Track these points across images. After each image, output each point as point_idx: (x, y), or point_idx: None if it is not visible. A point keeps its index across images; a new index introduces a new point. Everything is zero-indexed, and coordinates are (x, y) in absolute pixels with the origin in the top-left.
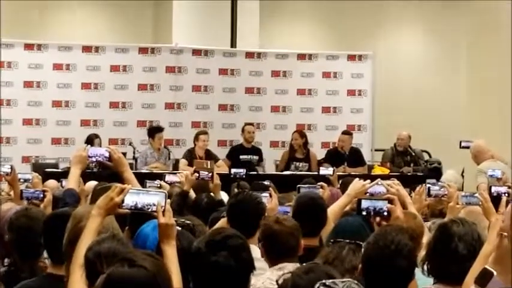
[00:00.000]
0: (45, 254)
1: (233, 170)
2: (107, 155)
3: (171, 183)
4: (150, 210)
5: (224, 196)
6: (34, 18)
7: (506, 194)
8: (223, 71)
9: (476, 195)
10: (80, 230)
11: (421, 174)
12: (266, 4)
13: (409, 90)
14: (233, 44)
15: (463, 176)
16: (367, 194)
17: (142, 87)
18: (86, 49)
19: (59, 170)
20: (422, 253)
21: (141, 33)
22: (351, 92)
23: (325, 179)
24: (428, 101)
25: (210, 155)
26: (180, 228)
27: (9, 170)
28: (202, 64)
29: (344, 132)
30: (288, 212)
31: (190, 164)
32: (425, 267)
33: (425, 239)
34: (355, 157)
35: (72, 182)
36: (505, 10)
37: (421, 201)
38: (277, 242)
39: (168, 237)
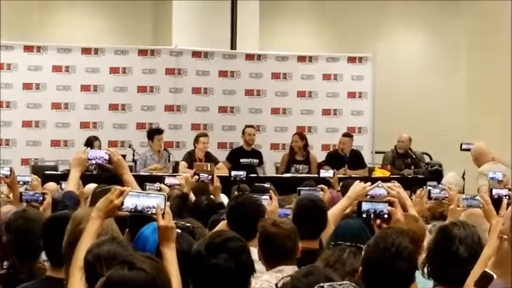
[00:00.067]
0: (44, 257)
1: (233, 173)
2: (107, 157)
3: (170, 186)
4: (149, 212)
5: (224, 199)
6: (33, 20)
7: (507, 197)
8: (223, 73)
9: (477, 197)
10: (79, 232)
11: (422, 176)
12: (266, 6)
13: (409, 92)
14: (233, 45)
15: (463, 179)
16: (368, 197)
17: (141, 89)
18: (86, 51)
19: (59, 173)
20: (423, 256)
21: (141, 35)
22: (351, 94)
23: (325, 181)
24: (429, 103)
25: (210, 158)
26: (179, 231)
27: (9, 172)
28: (202, 66)
29: (344, 135)
30: (288, 215)
31: (190, 167)
32: (425, 269)
33: (426, 241)
34: (355, 159)
35: (71, 184)
36: (506, 10)
37: (421, 204)
38: (275, 245)
39: (168, 240)
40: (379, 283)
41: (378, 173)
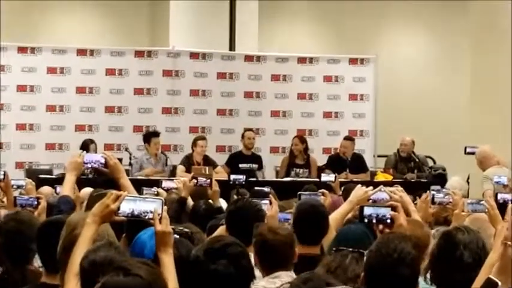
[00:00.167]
0: (40, 262)
1: (232, 177)
2: (103, 161)
3: (168, 190)
4: (146, 217)
5: (223, 203)
6: (28, 20)
7: None
8: (221, 75)
9: (483, 202)
10: (74, 237)
11: (425, 180)
12: (265, 6)
13: (412, 94)
14: (232, 47)
15: (468, 183)
16: (370, 201)
17: (138, 91)
18: (81, 52)
19: (53, 176)
20: (425, 262)
21: (137, 36)
22: (352, 97)
23: (326, 185)
24: (432, 106)
25: (208, 161)
26: (177, 236)
27: (2, 176)
28: (200, 68)
29: (346, 138)
30: (288, 219)
31: (188, 170)
32: (427, 275)
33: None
34: (357, 163)
35: (67, 188)
36: (507, 11)
37: (426, 209)
38: (272, 251)
39: (165, 245)
40: None
41: (380, 177)
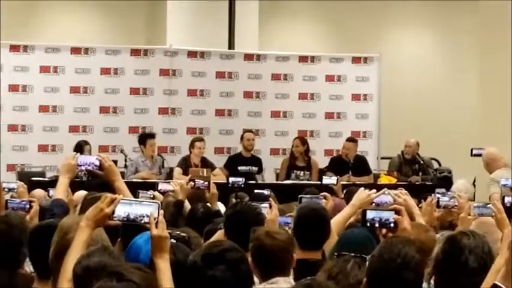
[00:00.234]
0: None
1: (231, 179)
2: (97, 163)
3: (164, 192)
4: (142, 221)
5: (221, 207)
6: (20, 18)
7: None
8: (220, 74)
9: (490, 205)
10: (67, 242)
11: (430, 183)
12: (266, 3)
13: (417, 94)
14: (231, 45)
15: (474, 186)
16: (373, 205)
17: (134, 91)
18: (75, 51)
19: (46, 179)
20: (429, 267)
21: (134, 33)
22: (355, 97)
23: (328, 188)
24: (437, 106)
25: (206, 163)
26: (174, 241)
27: None
28: (198, 67)
29: (348, 139)
30: (289, 223)
31: (185, 173)
32: (431, 281)
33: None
34: (360, 165)
35: (60, 191)
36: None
37: (431, 213)
38: (269, 256)
39: (161, 250)
40: None
41: (384, 179)
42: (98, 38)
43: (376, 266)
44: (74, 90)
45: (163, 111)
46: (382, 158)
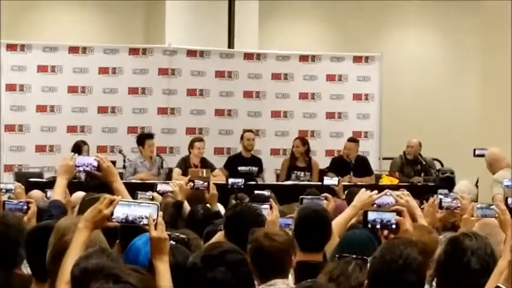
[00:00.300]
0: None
1: (231, 180)
2: (96, 164)
3: (163, 193)
4: (141, 223)
5: (221, 208)
6: (17, 17)
7: None
8: (220, 74)
9: (493, 207)
10: (64, 244)
11: (433, 184)
12: (266, 2)
13: (419, 94)
14: (230, 44)
15: (477, 187)
16: (375, 206)
17: (133, 90)
18: (73, 50)
19: (44, 180)
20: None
21: (132, 32)
22: (357, 96)
23: (329, 189)
24: (439, 106)
25: (205, 164)
26: (174, 243)
27: None
28: (197, 66)
29: (350, 140)
30: (289, 225)
31: (184, 173)
32: (433, 283)
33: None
34: (361, 166)
35: (58, 192)
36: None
37: (433, 214)
38: (268, 258)
39: (161, 252)
40: None
41: (386, 180)
42: (96, 37)
43: (378, 267)
44: (72, 89)
45: (162, 111)
46: (384, 159)
